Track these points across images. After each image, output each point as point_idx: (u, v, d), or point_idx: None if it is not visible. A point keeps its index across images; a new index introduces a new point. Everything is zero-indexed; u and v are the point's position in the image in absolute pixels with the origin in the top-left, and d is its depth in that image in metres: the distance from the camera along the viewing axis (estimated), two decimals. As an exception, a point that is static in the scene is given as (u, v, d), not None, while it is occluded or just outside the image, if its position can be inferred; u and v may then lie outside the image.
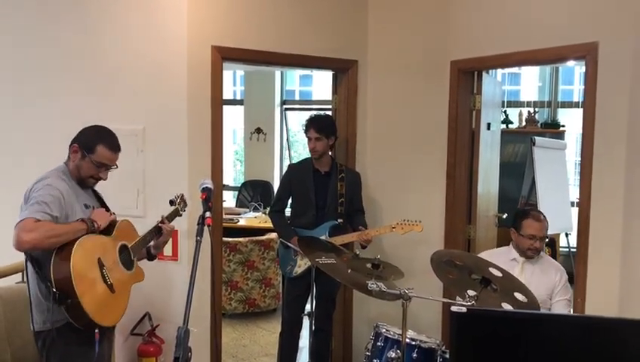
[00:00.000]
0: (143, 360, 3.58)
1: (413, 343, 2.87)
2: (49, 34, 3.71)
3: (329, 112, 4.31)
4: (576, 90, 11.06)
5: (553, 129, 6.68)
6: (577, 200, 3.35)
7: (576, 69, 9.29)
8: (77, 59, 3.67)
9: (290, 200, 4.00)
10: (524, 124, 6.78)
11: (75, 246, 2.42)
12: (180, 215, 3.08)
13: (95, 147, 2.62)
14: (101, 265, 2.52)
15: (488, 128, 4.19)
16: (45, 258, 2.42)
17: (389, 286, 2.70)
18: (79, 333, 2.47)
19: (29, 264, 2.50)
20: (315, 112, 3.95)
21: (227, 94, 11.06)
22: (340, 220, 3.80)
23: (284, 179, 4.05)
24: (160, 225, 2.89)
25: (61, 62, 3.69)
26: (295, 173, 3.96)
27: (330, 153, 3.89)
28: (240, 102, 8.69)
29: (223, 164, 3.84)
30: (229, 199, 8.23)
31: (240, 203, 7.61)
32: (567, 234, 5.92)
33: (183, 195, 3.13)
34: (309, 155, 3.88)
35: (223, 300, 5.15)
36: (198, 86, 3.60)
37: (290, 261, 3.83)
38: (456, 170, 3.98)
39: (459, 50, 3.88)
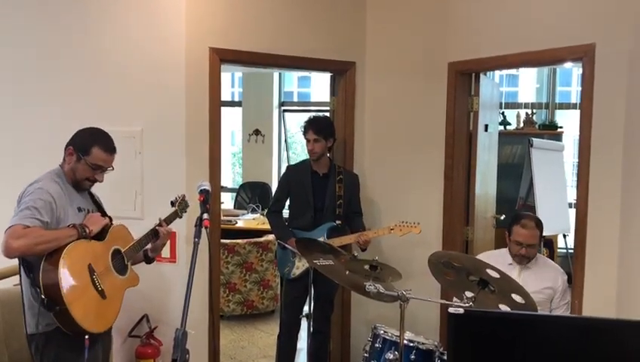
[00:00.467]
0: (141, 362, 3.58)
1: (411, 345, 2.88)
2: (49, 34, 3.71)
3: (327, 114, 4.31)
4: (573, 91, 11.09)
5: (551, 130, 6.69)
6: (575, 202, 3.36)
7: (574, 70, 9.31)
8: (77, 61, 3.67)
9: (288, 202, 4.00)
10: (521, 125, 6.79)
11: (63, 252, 2.41)
12: (181, 216, 3.06)
13: (90, 149, 2.61)
14: (92, 271, 2.51)
15: (486, 130, 4.20)
16: (36, 262, 2.42)
17: (387, 287, 2.70)
18: (70, 338, 2.46)
19: (21, 267, 2.50)
20: (313, 114, 3.95)
21: (225, 96, 11.06)
22: (338, 222, 3.80)
23: (282, 181, 4.05)
24: (157, 228, 2.87)
25: (61, 63, 3.69)
26: (293, 174, 3.96)
27: (328, 155, 3.89)
28: (238, 104, 8.69)
29: (221, 166, 3.84)
30: (227, 201, 8.23)
31: (238, 204, 7.62)
32: (564, 236, 5.92)
33: (184, 196, 3.09)
34: (308, 157, 3.88)
35: (221, 302, 5.14)
36: (196, 88, 3.61)
37: (288, 262, 3.83)
38: (454, 171, 3.99)
39: (456, 52, 3.88)
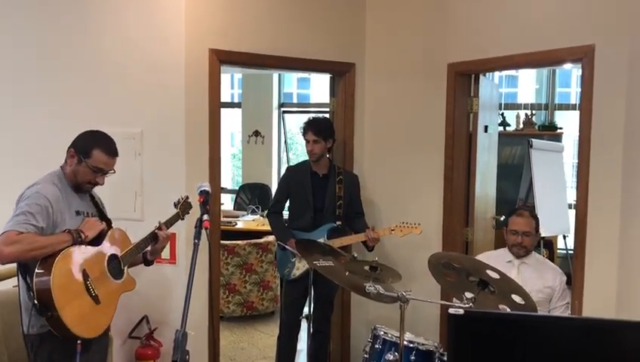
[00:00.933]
0: (141, 364, 3.58)
1: (411, 345, 2.87)
2: (49, 34, 3.71)
3: (327, 115, 4.31)
4: (573, 92, 11.10)
5: (550, 131, 6.69)
6: (575, 203, 3.36)
7: (574, 71, 9.32)
8: (77, 61, 3.67)
9: (288, 203, 4.00)
10: (521, 126, 6.79)
11: (57, 258, 2.41)
12: (182, 218, 3.04)
13: (91, 151, 2.61)
14: (85, 277, 2.50)
15: (486, 131, 4.20)
16: (33, 266, 2.42)
17: (387, 288, 2.70)
18: (63, 341, 2.46)
19: (18, 270, 2.51)
20: (313, 115, 3.95)
21: (225, 97, 11.07)
22: (338, 223, 3.80)
23: (282, 182, 4.05)
24: (157, 231, 2.86)
25: (61, 63, 3.69)
26: (293, 175, 3.96)
27: (328, 155, 3.89)
28: (238, 105, 8.70)
29: (221, 167, 3.84)
30: (227, 202, 8.23)
31: (238, 206, 7.61)
32: (564, 236, 5.92)
33: (187, 198, 3.06)
34: (308, 158, 3.89)
35: (221, 303, 5.13)
36: (195, 89, 3.61)
37: (288, 264, 3.83)
38: (453, 172, 3.99)
39: (456, 53, 3.88)
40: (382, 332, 3.01)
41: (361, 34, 4.18)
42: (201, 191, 2.42)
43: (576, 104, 7.18)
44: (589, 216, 3.19)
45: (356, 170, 4.14)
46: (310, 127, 3.77)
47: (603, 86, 3.11)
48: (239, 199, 7.73)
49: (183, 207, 3.02)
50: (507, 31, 3.59)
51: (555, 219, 5.49)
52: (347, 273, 2.89)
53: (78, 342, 2.44)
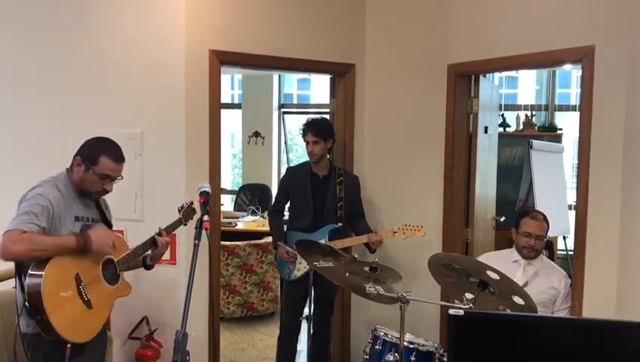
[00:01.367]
0: (141, 364, 3.57)
1: (411, 346, 2.88)
2: (49, 34, 3.71)
3: (327, 116, 4.32)
4: (573, 93, 11.10)
5: (550, 132, 6.69)
6: (575, 203, 3.36)
7: (574, 72, 9.31)
8: (77, 61, 3.67)
9: (288, 204, 4.01)
10: (521, 127, 6.78)
11: (50, 262, 2.41)
12: (185, 224, 3.00)
13: (98, 158, 2.60)
14: (79, 281, 2.50)
15: (486, 131, 4.20)
16: (27, 266, 2.42)
17: (387, 289, 2.70)
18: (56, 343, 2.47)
19: (16, 270, 2.51)
20: (312, 116, 3.95)
21: (225, 98, 11.06)
22: (339, 224, 3.80)
23: (282, 182, 4.06)
24: (156, 237, 2.84)
25: (61, 63, 3.69)
26: (293, 176, 3.97)
27: (328, 156, 3.90)
28: (238, 106, 8.69)
29: (221, 168, 3.84)
30: (227, 203, 8.22)
31: (238, 206, 7.61)
32: (564, 237, 5.92)
33: (191, 203, 3.02)
34: (308, 159, 3.89)
35: (221, 304, 5.13)
36: (196, 90, 3.61)
37: (288, 264, 3.84)
38: (453, 173, 3.99)
39: (456, 54, 3.89)
40: (382, 333, 3.01)
41: (361, 35, 4.18)
42: (201, 191, 2.42)
43: (576, 105, 7.17)
44: (589, 217, 3.19)
45: (356, 171, 4.14)
46: (309, 128, 3.77)
47: (603, 87, 3.11)
48: (239, 200, 7.73)
49: (187, 212, 3.00)
50: (507, 32, 3.59)
51: (555, 219, 5.46)
52: (347, 274, 2.89)
53: (68, 345, 2.45)
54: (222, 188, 4.24)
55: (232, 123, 9.67)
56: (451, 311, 1.76)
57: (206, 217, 2.30)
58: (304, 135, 3.81)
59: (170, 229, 2.95)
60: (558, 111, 7.40)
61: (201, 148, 3.66)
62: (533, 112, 6.96)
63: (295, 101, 12.12)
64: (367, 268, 2.76)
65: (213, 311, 3.71)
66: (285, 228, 3.95)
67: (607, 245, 3.11)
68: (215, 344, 3.78)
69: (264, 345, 5.05)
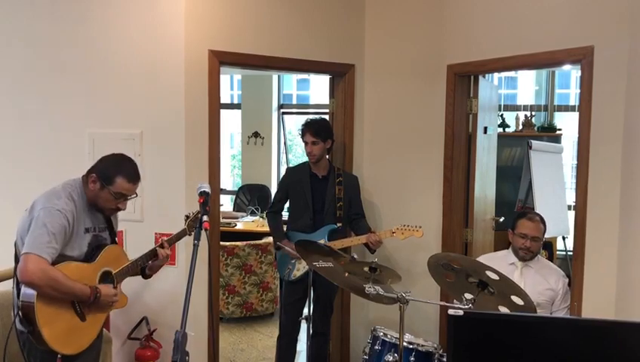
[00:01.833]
0: (141, 365, 3.57)
1: (411, 347, 2.88)
2: (49, 35, 3.71)
3: (326, 116, 4.32)
4: (572, 93, 11.12)
5: (550, 132, 6.69)
6: (574, 204, 3.36)
7: (573, 72, 9.33)
8: (76, 62, 3.68)
9: (287, 204, 4.01)
10: (520, 127, 6.79)
11: None
12: (190, 234, 2.99)
13: (114, 178, 2.60)
14: None
15: (485, 132, 4.20)
16: None
17: (387, 289, 2.70)
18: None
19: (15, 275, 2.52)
20: (310, 117, 3.94)
21: (224, 98, 11.07)
22: (339, 224, 3.80)
23: (282, 183, 4.06)
24: (157, 248, 2.84)
25: (61, 64, 3.70)
26: (292, 176, 3.97)
27: (327, 157, 3.90)
28: (237, 106, 8.70)
29: (221, 168, 3.84)
30: (227, 203, 8.23)
31: (237, 207, 7.61)
32: (564, 238, 5.92)
33: (198, 213, 2.91)
34: (307, 159, 3.89)
35: (220, 304, 5.13)
36: (195, 90, 3.61)
37: (288, 264, 3.84)
38: (453, 173, 3.99)
39: (455, 54, 3.89)
40: (381, 334, 3.01)
41: (360, 35, 4.19)
42: (200, 191, 2.41)
43: (575, 105, 7.18)
44: (588, 217, 3.19)
45: (355, 171, 4.14)
46: (308, 129, 3.78)
47: (602, 87, 3.12)
48: (239, 200, 7.73)
49: (192, 222, 2.99)
50: (506, 32, 3.59)
51: (555, 220, 5.48)
52: (347, 274, 2.89)
53: (59, 356, 2.45)
54: (221, 189, 4.24)
55: (231, 123, 9.68)
56: (451, 312, 1.76)
57: (205, 217, 2.29)
58: (303, 135, 3.81)
59: (173, 241, 2.94)
60: (558, 111, 7.40)
61: (200, 149, 3.65)
62: (533, 113, 6.96)
63: (294, 101, 12.12)
64: (366, 269, 2.76)
65: (213, 311, 3.70)
66: (285, 229, 3.95)
67: (606, 245, 3.11)
68: (214, 344, 3.77)
69: (263, 345, 5.05)
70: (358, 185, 3.96)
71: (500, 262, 3.20)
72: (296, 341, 3.97)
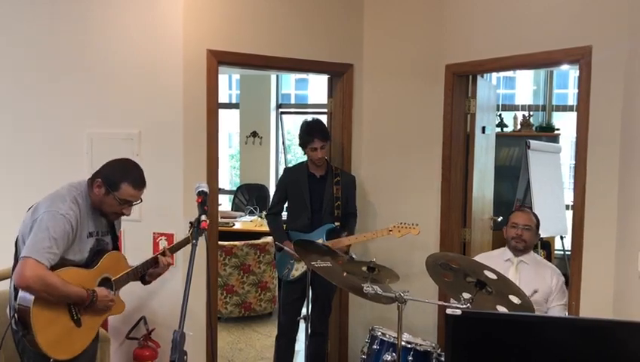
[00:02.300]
0: (139, 365, 3.57)
1: (409, 346, 2.88)
2: (48, 35, 3.70)
3: (324, 116, 4.32)
4: (570, 93, 11.13)
5: (548, 132, 6.71)
6: (572, 203, 3.37)
7: (571, 72, 9.34)
8: (75, 62, 3.67)
9: (286, 204, 4.01)
10: (518, 127, 6.80)
11: None
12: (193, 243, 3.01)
13: (120, 184, 2.58)
14: None
15: (483, 132, 4.21)
16: None
17: (385, 289, 2.71)
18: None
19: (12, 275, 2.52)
20: (307, 121, 3.87)
21: (223, 98, 11.06)
22: (337, 223, 3.80)
23: (280, 183, 4.06)
24: (159, 256, 2.83)
25: (60, 64, 3.69)
26: (290, 176, 3.97)
27: (325, 156, 3.90)
28: (236, 106, 8.70)
29: (219, 168, 3.84)
30: (225, 203, 8.23)
31: (236, 206, 7.61)
32: (562, 237, 5.94)
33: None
34: (305, 159, 3.89)
35: (218, 304, 5.13)
36: (193, 89, 3.61)
37: (287, 264, 3.84)
38: (451, 173, 4.00)
39: (453, 54, 3.89)
40: (379, 333, 3.02)
41: (359, 35, 4.19)
42: (199, 191, 2.41)
43: (573, 105, 7.19)
44: (586, 217, 3.19)
45: (354, 171, 4.15)
46: (317, 135, 3.70)
47: (600, 87, 3.12)
48: (237, 200, 7.73)
49: (196, 229, 2.98)
50: (505, 32, 3.60)
51: (553, 220, 5.50)
52: (345, 274, 2.89)
53: (51, 360, 2.45)
54: (220, 188, 4.24)
55: (229, 123, 9.67)
56: (449, 311, 1.76)
57: (204, 217, 2.30)
58: (310, 142, 3.70)
59: (175, 249, 2.93)
60: (556, 111, 7.42)
61: (198, 148, 3.65)
62: (531, 112, 6.98)
63: (293, 101, 12.10)
64: (364, 268, 2.76)
65: (211, 311, 3.70)
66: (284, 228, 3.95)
67: (604, 245, 3.11)
68: (213, 344, 3.77)
69: (262, 344, 5.05)
70: (355, 184, 3.96)
71: (496, 260, 3.21)
72: (294, 340, 3.97)
